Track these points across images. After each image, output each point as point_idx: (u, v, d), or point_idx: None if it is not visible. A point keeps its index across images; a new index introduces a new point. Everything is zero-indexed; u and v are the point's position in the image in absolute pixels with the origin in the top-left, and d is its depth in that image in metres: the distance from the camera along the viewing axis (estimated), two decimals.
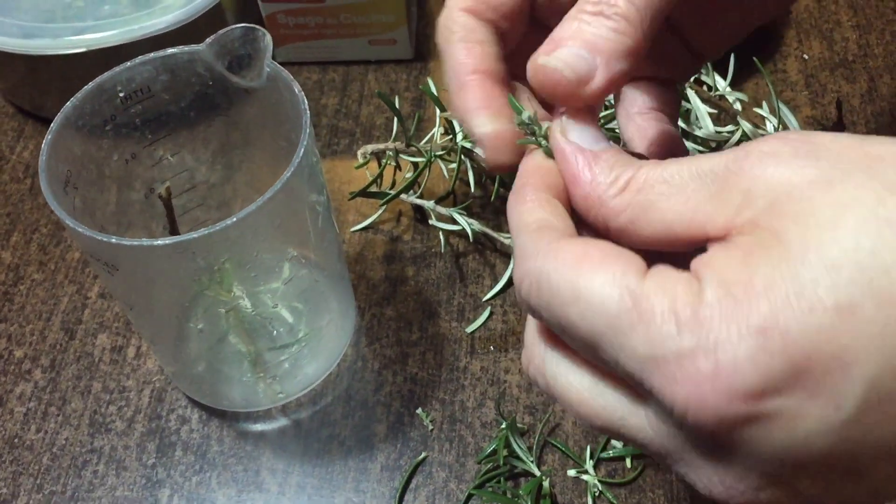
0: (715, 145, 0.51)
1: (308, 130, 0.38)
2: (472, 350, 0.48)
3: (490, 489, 0.43)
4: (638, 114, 0.34)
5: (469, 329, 0.49)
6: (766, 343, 0.20)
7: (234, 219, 0.35)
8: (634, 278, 0.22)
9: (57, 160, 0.38)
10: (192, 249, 0.36)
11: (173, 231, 0.45)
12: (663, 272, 0.22)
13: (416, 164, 0.52)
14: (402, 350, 0.48)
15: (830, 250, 0.20)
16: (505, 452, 0.43)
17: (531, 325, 0.27)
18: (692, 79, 0.55)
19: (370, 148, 0.53)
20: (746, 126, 0.51)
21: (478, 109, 0.29)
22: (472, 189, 0.52)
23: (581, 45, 0.26)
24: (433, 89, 0.52)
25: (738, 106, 0.54)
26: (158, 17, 0.56)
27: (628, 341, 0.22)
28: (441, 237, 0.52)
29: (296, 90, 0.39)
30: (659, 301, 0.21)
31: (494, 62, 0.30)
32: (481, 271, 0.51)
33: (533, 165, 0.28)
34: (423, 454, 0.45)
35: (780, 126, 0.52)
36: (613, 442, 0.44)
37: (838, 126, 0.49)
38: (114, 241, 0.34)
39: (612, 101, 0.39)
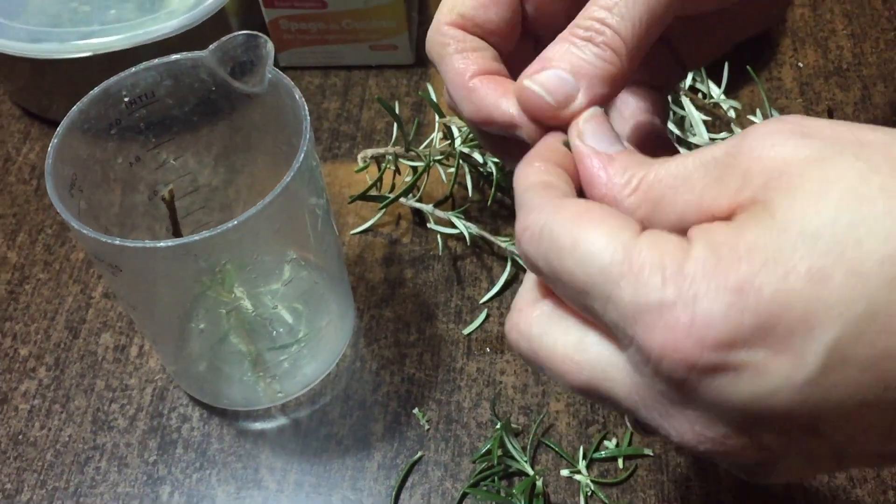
0: None
1: (308, 135, 0.39)
2: (469, 351, 0.49)
3: (484, 488, 0.44)
4: (630, 116, 0.35)
5: (466, 331, 0.50)
6: (740, 300, 0.21)
7: (236, 221, 0.36)
8: (629, 234, 0.24)
9: (63, 163, 0.39)
10: (194, 251, 0.37)
11: (176, 233, 0.45)
12: (657, 233, 0.24)
13: (415, 169, 0.53)
14: (400, 351, 0.49)
15: (811, 221, 0.21)
16: (499, 452, 0.44)
17: (522, 292, 0.28)
18: (687, 86, 0.55)
19: (370, 152, 0.54)
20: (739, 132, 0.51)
21: (498, 99, 0.30)
22: (470, 193, 0.53)
23: (566, 68, 0.27)
24: (432, 95, 0.53)
25: (731, 113, 0.55)
26: (163, 23, 0.57)
27: (617, 289, 0.23)
28: (439, 240, 0.53)
29: (297, 96, 0.40)
30: (648, 255, 0.23)
31: (494, 63, 0.31)
32: (478, 274, 0.52)
33: (547, 144, 0.29)
34: (420, 453, 0.45)
35: None
36: (606, 442, 0.45)
37: None
38: (118, 242, 0.35)
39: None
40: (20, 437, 0.47)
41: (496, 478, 0.44)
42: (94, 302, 0.53)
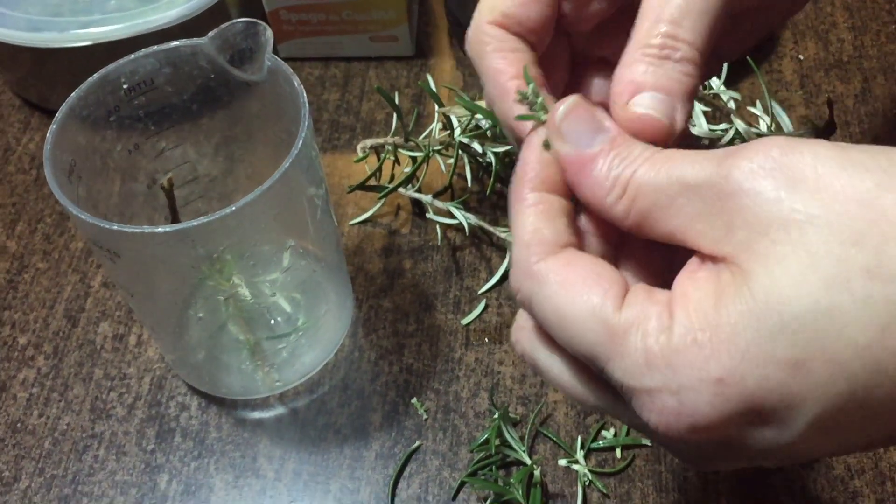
0: (708, 143, 0.52)
1: (307, 123, 0.39)
2: (467, 342, 0.49)
3: (482, 477, 0.44)
4: None
5: (464, 321, 0.50)
6: (723, 390, 0.23)
7: (233, 207, 0.36)
8: (611, 308, 0.24)
9: (62, 150, 0.39)
10: (191, 237, 0.37)
11: (175, 221, 0.45)
12: (638, 302, 0.24)
13: (414, 159, 0.53)
14: (399, 341, 0.49)
15: (791, 308, 0.22)
16: (497, 442, 0.44)
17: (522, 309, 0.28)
18: None
19: (369, 142, 0.54)
20: (740, 125, 0.51)
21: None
22: (469, 184, 0.53)
23: (660, 90, 0.27)
24: (432, 86, 0.53)
25: (731, 104, 0.55)
26: (163, 12, 0.57)
27: (607, 367, 0.25)
28: (438, 231, 0.53)
29: (295, 84, 0.40)
30: (632, 338, 0.24)
31: (532, 67, 0.31)
32: (477, 265, 0.52)
33: (532, 158, 0.28)
34: (418, 443, 0.45)
35: (773, 124, 0.52)
36: (604, 432, 0.45)
37: (830, 125, 0.50)
38: (116, 227, 0.35)
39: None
40: (18, 425, 0.47)
41: (494, 467, 0.44)
42: (93, 291, 0.53)
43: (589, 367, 0.26)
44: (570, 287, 0.25)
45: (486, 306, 0.50)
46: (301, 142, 0.38)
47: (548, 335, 0.27)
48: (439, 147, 0.52)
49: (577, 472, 0.44)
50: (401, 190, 0.53)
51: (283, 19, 0.62)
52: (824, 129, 0.51)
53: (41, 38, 0.56)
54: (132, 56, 0.41)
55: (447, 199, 0.53)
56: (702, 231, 0.24)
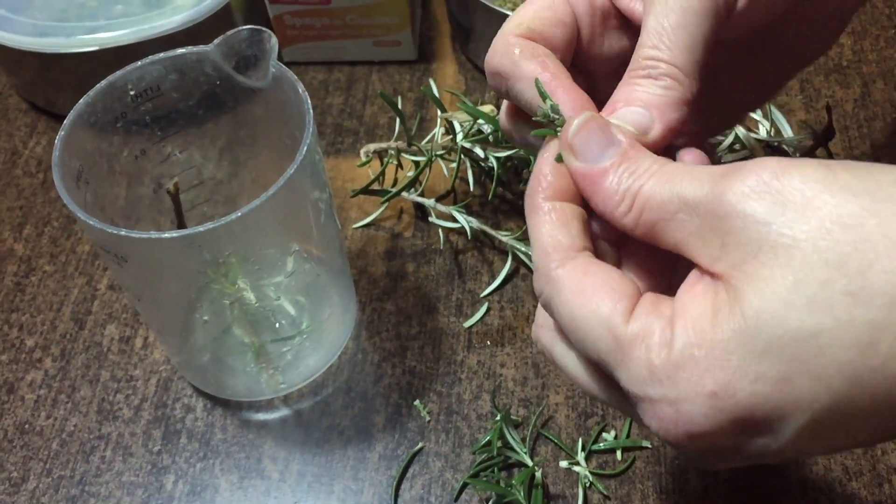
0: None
1: (311, 129, 0.39)
2: (470, 344, 0.50)
3: (484, 479, 0.44)
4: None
5: (467, 324, 0.50)
6: (716, 403, 0.24)
7: (239, 213, 0.36)
8: (620, 319, 0.26)
9: (70, 156, 0.40)
10: (198, 242, 0.37)
11: (181, 225, 0.46)
12: (644, 315, 0.26)
13: (417, 163, 0.54)
14: (402, 343, 0.50)
15: (778, 328, 0.23)
16: (499, 443, 0.44)
17: (542, 306, 0.30)
18: None
19: (372, 147, 0.54)
20: (740, 130, 0.52)
21: (575, 111, 0.31)
22: (472, 188, 0.53)
23: (637, 104, 0.30)
24: (435, 91, 0.53)
25: None
26: (169, 18, 0.57)
27: (615, 372, 0.27)
28: (441, 234, 0.53)
29: (300, 90, 0.40)
30: (637, 350, 0.26)
31: (563, 70, 0.32)
32: (479, 268, 0.53)
33: (546, 169, 0.30)
34: (420, 444, 0.46)
35: (773, 129, 0.53)
36: (604, 434, 0.46)
37: (829, 130, 0.51)
38: (123, 233, 0.36)
39: None
40: (26, 426, 0.48)
41: (496, 469, 0.44)
42: (100, 294, 0.53)
43: (601, 368, 0.28)
44: (585, 296, 0.27)
45: (488, 309, 0.51)
46: (305, 148, 0.38)
47: (565, 334, 0.29)
48: (442, 151, 0.53)
49: (578, 473, 0.44)
50: (403, 194, 0.53)
51: (287, 24, 0.62)
52: (823, 134, 0.51)
53: (48, 43, 0.57)
54: (139, 63, 0.42)
55: (450, 203, 0.53)
56: (699, 248, 0.26)
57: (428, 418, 0.47)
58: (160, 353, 0.50)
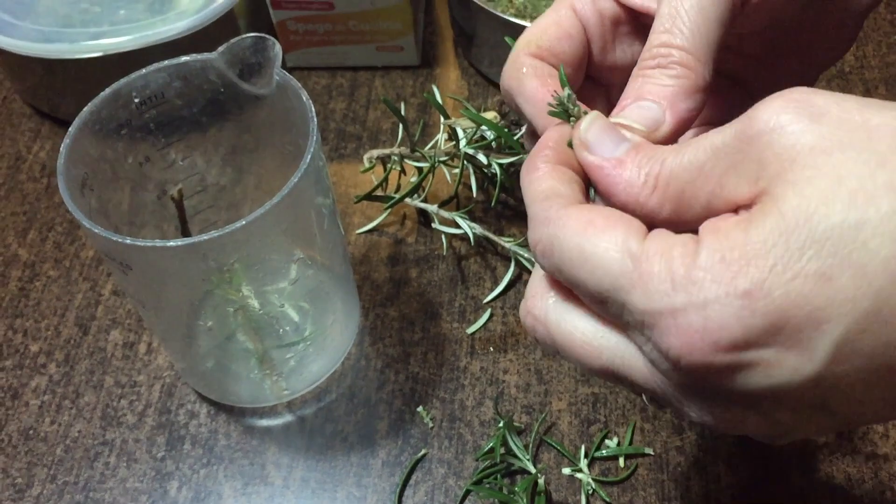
0: None
1: (315, 137, 0.39)
2: (473, 350, 0.50)
3: (487, 486, 0.44)
4: None
5: (470, 330, 0.50)
6: (750, 304, 0.23)
7: (244, 222, 0.36)
8: (635, 241, 0.25)
9: (75, 163, 0.40)
10: (203, 251, 0.37)
11: (184, 231, 0.46)
12: (662, 234, 0.25)
13: (420, 169, 0.54)
14: (405, 349, 0.50)
15: (820, 223, 0.22)
16: (502, 450, 0.45)
17: (535, 278, 0.29)
18: None
19: (376, 153, 0.54)
20: None
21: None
22: (475, 194, 0.53)
23: (647, 97, 0.29)
24: (438, 97, 0.53)
25: None
26: (173, 23, 0.57)
27: (630, 297, 0.25)
28: (444, 240, 0.53)
29: (304, 98, 0.40)
30: (657, 262, 0.24)
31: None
32: (482, 274, 0.53)
33: (551, 138, 0.29)
34: (423, 451, 0.46)
35: None
36: (607, 441, 0.46)
37: None
38: (128, 241, 0.36)
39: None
40: (31, 432, 0.48)
41: (499, 475, 0.44)
42: (104, 299, 0.53)
43: (605, 315, 0.27)
44: (594, 225, 0.26)
45: (491, 315, 0.51)
46: (310, 156, 0.39)
47: (562, 292, 0.28)
48: (445, 158, 0.53)
49: (580, 480, 0.44)
50: (407, 200, 0.53)
51: (290, 30, 0.62)
52: None
53: (52, 49, 0.57)
54: (143, 71, 0.42)
55: (452, 209, 0.53)
56: (735, 183, 0.25)
57: (431, 425, 0.47)
58: (164, 359, 0.50)
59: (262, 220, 0.37)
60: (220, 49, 0.42)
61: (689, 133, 0.34)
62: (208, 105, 0.44)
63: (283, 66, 0.42)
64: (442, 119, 0.53)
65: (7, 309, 0.53)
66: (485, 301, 0.52)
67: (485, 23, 0.59)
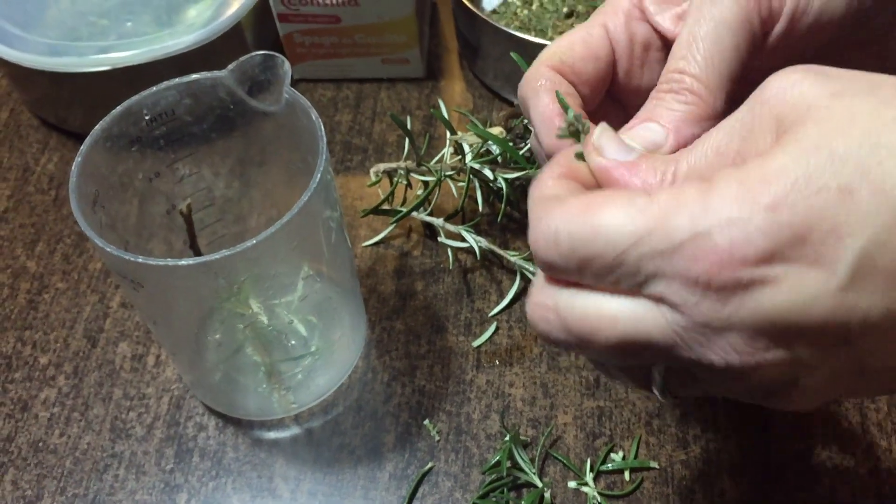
0: None
1: (325, 156, 0.40)
2: (479, 364, 0.50)
3: (493, 499, 0.45)
4: None
5: (475, 343, 0.51)
6: (775, 216, 0.23)
7: (255, 241, 0.37)
8: (643, 198, 0.25)
9: (86, 180, 0.40)
10: (214, 269, 0.38)
11: (193, 245, 0.47)
12: (670, 187, 0.26)
13: (426, 183, 0.54)
14: (411, 363, 0.50)
15: (839, 146, 0.23)
16: (508, 464, 0.45)
17: (537, 282, 0.29)
18: None
19: (382, 167, 0.55)
20: None
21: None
22: (480, 208, 0.54)
23: (656, 120, 0.30)
24: (444, 112, 0.54)
25: None
26: (180, 37, 0.58)
27: (649, 243, 0.25)
28: (449, 254, 0.54)
29: (313, 117, 0.41)
30: (671, 204, 0.25)
31: (578, 108, 0.33)
32: (488, 287, 0.53)
33: (564, 155, 0.30)
34: (430, 464, 0.46)
35: None
36: (612, 455, 0.46)
37: None
38: (140, 260, 0.36)
39: None
40: (40, 444, 0.48)
41: (505, 489, 0.45)
42: (112, 311, 0.54)
43: (617, 289, 0.27)
44: (595, 203, 0.26)
45: (497, 329, 0.51)
46: (319, 174, 0.39)
47: (567, 284, 0.28)
48: (451, 172, 0.54)
49: (586, 494, 0.45)
50: (413, 213, 0.54)
51: (296, 42, 0.63)
52: None
53: (60, 62, 0.58)
54: (154, 88, 0.42)
55: (458, 223, 0.54)
56: (761, 144, 0.26)
57: (437, 438, 0.47)
58: (172, 372, 0.51)
59: (273, 238, 0.37)
60: (230, 67, 0.42)
61: None
62: (217, 121, 0.45)
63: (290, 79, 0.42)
64: (448, 134, 0.54)
65: (16, 321, 0.54)
66: (490, 314, 0.52)
67: (490, 36, 0.59)
